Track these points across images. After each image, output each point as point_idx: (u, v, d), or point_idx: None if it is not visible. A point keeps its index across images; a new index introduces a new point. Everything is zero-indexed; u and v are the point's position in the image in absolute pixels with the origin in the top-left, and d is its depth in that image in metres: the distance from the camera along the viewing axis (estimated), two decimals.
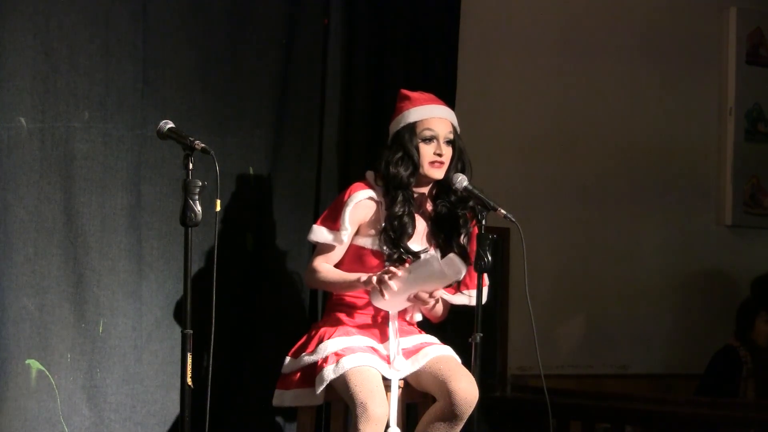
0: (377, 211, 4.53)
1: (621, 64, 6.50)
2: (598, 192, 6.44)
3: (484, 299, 4.46)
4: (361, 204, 4.52)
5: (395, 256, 4.47)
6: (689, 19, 6.72)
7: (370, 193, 4.53)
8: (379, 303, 4.42)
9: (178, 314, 4.69)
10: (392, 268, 4.35)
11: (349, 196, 4.52)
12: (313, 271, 4.52)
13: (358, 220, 4.52)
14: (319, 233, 4.53)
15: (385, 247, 4.48)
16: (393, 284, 4.31)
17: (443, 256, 4.53)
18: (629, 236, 6.54)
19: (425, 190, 4.60)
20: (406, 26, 5.43)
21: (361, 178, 4.62)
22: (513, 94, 6.20)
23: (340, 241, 4.49)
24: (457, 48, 5.65)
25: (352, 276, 4.45)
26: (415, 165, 4.51)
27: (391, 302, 4.41)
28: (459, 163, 4.56)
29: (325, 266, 4.51)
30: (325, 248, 4.54)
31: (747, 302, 6.30)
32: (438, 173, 4.53)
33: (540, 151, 6.26)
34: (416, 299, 4.46)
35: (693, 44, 6.73)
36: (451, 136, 4.55)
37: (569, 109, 6.36)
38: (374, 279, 4.35)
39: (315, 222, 4.66)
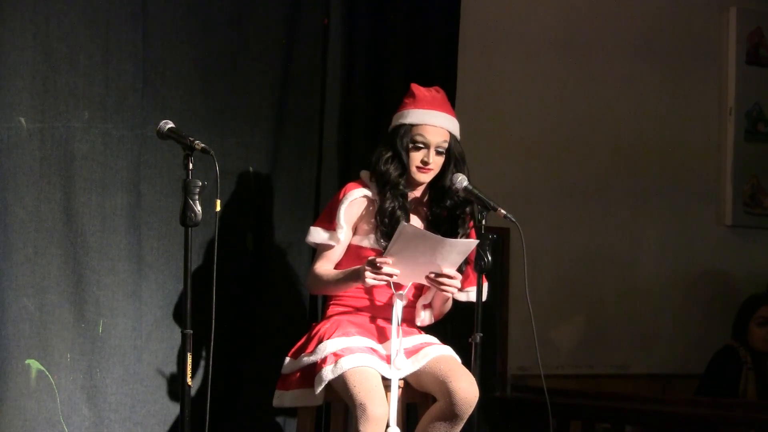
0: (372, 209, 4.53)
1: (621, 64, 6.50)
2: (598, 192, 6.44)
3: (484, 297, 4.45)
4: (356, 202, 4.52)
5: None
6: (689, 19, 6.72)
7: (365, 191, 4.54)
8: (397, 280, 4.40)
9: (178, 314, 4.69)
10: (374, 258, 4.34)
11: (343, 195, 4.53)
12: (313, 276, 4.52)
13: (354, 218, 4.52)
14: (316, 234, 4.53)
15: (382, 241, 4.48)
16: (388, 268, 4.30)
17: None
18: (629, 236, 6.54)
19: (418, 192, 4.60)
20: (406, 26, 5.43)
21: (358, 178, 4.62)
22: (513, 94, 6.20)
23: (337, 240, 4.49)
24: (457, 48, 5.65)
25: (346, 271, 4.45)
26: (403, 166, 4.52)
27: (406, 276, 4.39)
28: (453, 169, 4.55)
29: (324, 269, 4.51)
30: (324, 249, 4.54)
31: (744, 304, 6.29)
32: (424, 177, 4.54)
33: (540, 151, 6.26)
34: (434, 281, 4.43)
35: (693, 44, 6.73)
36: (444, 146, 4.54)
37: (569, 109, 6.36)
38: (364, 271, 4.32)
39: (313, 223, 4.66)
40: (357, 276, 4.37)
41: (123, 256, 4.67)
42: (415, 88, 4.62)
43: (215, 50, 4.92)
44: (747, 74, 6.85)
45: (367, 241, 4.52)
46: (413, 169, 4.53)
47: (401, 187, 4.52)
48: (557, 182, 6.32)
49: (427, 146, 4.52)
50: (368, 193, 4.54)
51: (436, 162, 4.53)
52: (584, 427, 5.72)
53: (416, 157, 4.53)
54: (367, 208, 4.54)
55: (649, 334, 6.56)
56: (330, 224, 4.51)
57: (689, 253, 6.71)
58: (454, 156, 4.56)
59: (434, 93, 4.61)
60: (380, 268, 4.29)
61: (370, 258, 4.34)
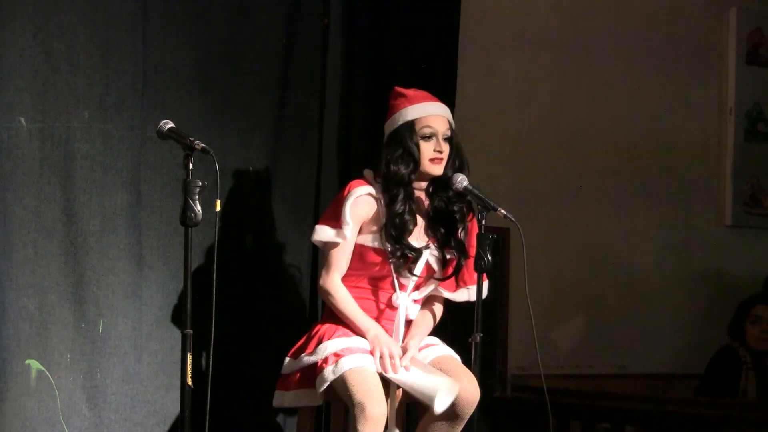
0: (377, 208, 4.53)
1: (621, 64, 6.50)
2: (598, 192, 6.44)
3: (484, 294, 4.44)
4: (361, 199, 4.51)
5: (397, 252, 4.47)
6: (689, 19, 6.72)
7: (369, 189, 4.53)
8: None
9: (178, 314, 4.69)
10: (398, 360, 4.39)
11: (348, 192, 4.51)
12: (328, 293, 4.49)
13: (360, 216, 4.50)
14: (322, 232, 4.51)
15: (386, 244, 4.48)
16: (392, 373, 4.36)
17: (441, 249, 4.53)
18: (629, 236, 6.54)
19: (423, 186, 4.59)
20: (405, 26, 5.43)
21: (360, 177, 4.62)
22: (513, 93, 6.20)
23: (344, 237, 4.47)
24: (457, 48, 5.65)
25: (363, 323, 4.45)
26: (415, 162, 4.51)
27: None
28: (457, 159, 4.56)
29: (342, 292, 4.48)
30: (331, 248, 4.50)
31: (740, 304, 6.30)
32: (437, 169, 4.53)
33: (540, 151, 6.26)
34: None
35: (693, 44, 6.73)
36: (449, 133, 4.56)
37: (569, 108, 6.36)
38: (383, 352, 4.38)
39: (316, 222, 4.65)
40: (367, 331, 4.42)
41: (123, 256, 4.67)
42: (400, 89, 4.62)
43: (215, 50, 4.92)
44: (747, 74, 6.85)
45: (370, 241, 4.51)
46: (426, 163, 4.51)
47: (412, 186, 4.51)
48: (557, 182, 6.32)
49: (435, 135, 4.52)
50: (373, 191, 4.53)
51: (446, 150, 4.53)
52: (584, 427, 5.72)
53: (428, 149, 4.52)
54: (372, 206, 4.53)
55: (649, 334, 6.56)
56: (336, 221, 4.49)
57: (689, 253, 6.71)
58: (456, 144, 4.57)
59: (418, 90, 4.62)
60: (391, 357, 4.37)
61: (393, 350, 4.38)
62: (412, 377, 4.34)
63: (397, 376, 4.34)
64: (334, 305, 4.49)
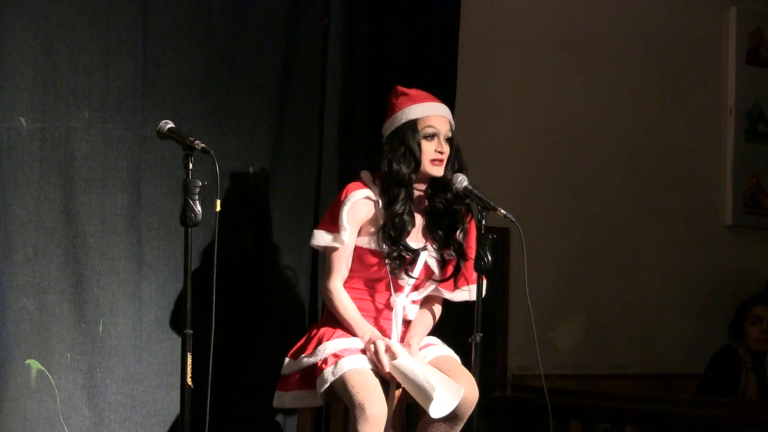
0: (375, 210, 4.52)
1: (621, 64, 6.50)
2: (598, 192, 6.44)
3: (483, 294, 4.44)
4: (359, 203, 4.51)
5: (394, 253, 4.47)
6: (689, 19, 6.73)
7: (367, 192, 4.53)
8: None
9: (178, 314, 4.69)
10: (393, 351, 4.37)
11: (345, 196, 4.51)
12: (329, 297, 4.50)
13: (358, 219, 4.51)
14: (320, 237, 4.51)
15: (384, 245, 4.48)
16: (385, 361, 4.33)
17: (439, 250, 4.52)
18: (629, 236, 6.54)
19: (422, 187, 4.59)
20: (406, 26, 5.43)
21: (358, 178, 4.61)
22: (513, 94, 6.20)
23: (341, 242, 4.48)
24: (457, 48, 5.65)
25: (360, 328, 4.44)
26: (417, 161, 4.50)
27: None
28: (456, 161, 4.56)
29: (342, 296, 4.49)
30: (330, 252, 4.50)
31: (740, 304, 6.30)
32: (438, 171, 4.53)
33: (540, 151, 6.26)
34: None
35: (693, 44, 6.74)
36: (450, 134, 4.56)
37: (569, 109, 6.36)
38: (376, 345, 4.36)
39: (316, 222, 4.65)
40: (363, 336, 4.41)
41: (123, 256, 4.67)
42: (402, 88, 4.62)
43: (215, 50, 4.92)
44: (747, 74, 6.85)
45: (367, 242, 4.51)
46: (426, 163, 4.51)
47: (412, 186, 4.51)
48: (557, 182, 6.32)
49: (437, 136, 4.52)
50: (370, 194, 4.53)
51: (447, 151, 4.53)
52: (584, 427, 5.72)
53: (429, 149, 4.51)
54: (369, 209, 4.53)
55: (649, 334, 6.57)
56: (334, 226, 4.49)
57: (689, 253, 6.71)
58: (456, 146, 4.57)
59: (420, 90, 4.62)
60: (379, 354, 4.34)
61: (384, 347, 4.36)
62: (413, 368, 4.29)
63: (398, 364, 4.30)
64: (335, 309, 4.49)
